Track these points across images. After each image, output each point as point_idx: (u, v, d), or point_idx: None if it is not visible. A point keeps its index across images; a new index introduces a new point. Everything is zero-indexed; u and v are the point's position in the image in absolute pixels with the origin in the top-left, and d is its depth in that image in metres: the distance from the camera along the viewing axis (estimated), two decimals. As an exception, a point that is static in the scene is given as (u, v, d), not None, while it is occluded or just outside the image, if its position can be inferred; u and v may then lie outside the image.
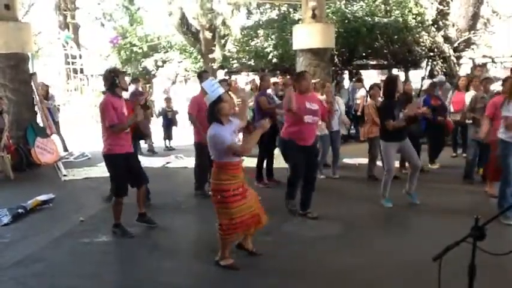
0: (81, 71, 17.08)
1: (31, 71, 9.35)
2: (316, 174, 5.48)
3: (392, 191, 5.76)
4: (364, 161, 7.58)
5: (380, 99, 6.72)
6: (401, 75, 15.70)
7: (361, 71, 15.24)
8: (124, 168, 4.65)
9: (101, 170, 8.24)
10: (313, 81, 6.54)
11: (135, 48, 21.23)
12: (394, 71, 16.14)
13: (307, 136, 5.01)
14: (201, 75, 6.20)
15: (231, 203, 3.75)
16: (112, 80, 4.54)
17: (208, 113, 3.86)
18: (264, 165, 6.96)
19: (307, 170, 5.15)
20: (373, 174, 7.07)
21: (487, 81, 7.05)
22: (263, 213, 4.01)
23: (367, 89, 8.39)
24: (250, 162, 6.65)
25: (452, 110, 8.30)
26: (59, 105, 13.79)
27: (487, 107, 5.76)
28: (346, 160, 8.35)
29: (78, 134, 12.04)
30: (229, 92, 6.58)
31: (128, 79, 6.31)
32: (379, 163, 7.25)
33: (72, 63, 15.87)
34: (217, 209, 3.84)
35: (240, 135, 3.87)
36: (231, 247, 3.97)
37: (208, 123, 3.86)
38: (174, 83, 16.96)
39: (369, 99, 7.48)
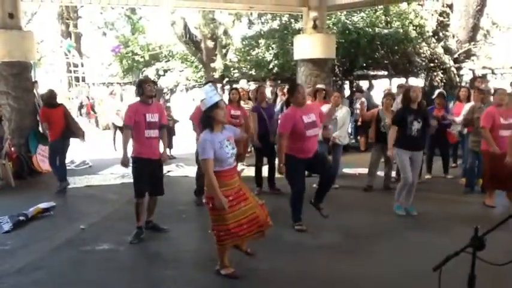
0: (83, 79, 17.17)
1: (33, 79, 9.40)
2: (332, 173, 5.35)
3: (390, 201, 5.83)
4: (364, 170, 7.60)
5: (393, 109, 6.78)
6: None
7: (361, 81, 15.31)
8: (142, 172, 4.92)
9: (102, 178, 8.32)
10: (309, 89, 6.58)
11: (136, 57, 21.38)
12: (394, 81, 16.22)
13: (307, 149, 4.95)
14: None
15: (224, 209, 3.69)
16: (138, 88, 4.98)
17: (201, 118, 3.85)
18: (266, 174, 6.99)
19: (322, 169, 5.05)
20: (371, 185, 7.12)
21: (480, 92, 7.06)
22: (266, 215, 3.94)
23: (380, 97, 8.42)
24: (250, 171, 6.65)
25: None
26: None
27: (483, 119, 5.83)
28: (346, 170, 8.36)
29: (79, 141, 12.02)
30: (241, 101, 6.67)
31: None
32: (379, 173, 7.28)
33: (74, 71, 15.98)
34: (211, 216, 3.81)
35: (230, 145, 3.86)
36: (228, 254, 3.95)
37: (201, 129, 3.87)
38: (174, 92, 17.04)
39: (380, 106, 7.40)
